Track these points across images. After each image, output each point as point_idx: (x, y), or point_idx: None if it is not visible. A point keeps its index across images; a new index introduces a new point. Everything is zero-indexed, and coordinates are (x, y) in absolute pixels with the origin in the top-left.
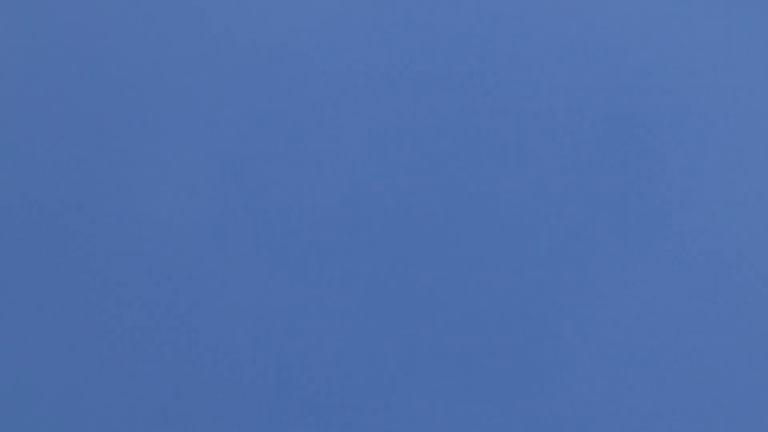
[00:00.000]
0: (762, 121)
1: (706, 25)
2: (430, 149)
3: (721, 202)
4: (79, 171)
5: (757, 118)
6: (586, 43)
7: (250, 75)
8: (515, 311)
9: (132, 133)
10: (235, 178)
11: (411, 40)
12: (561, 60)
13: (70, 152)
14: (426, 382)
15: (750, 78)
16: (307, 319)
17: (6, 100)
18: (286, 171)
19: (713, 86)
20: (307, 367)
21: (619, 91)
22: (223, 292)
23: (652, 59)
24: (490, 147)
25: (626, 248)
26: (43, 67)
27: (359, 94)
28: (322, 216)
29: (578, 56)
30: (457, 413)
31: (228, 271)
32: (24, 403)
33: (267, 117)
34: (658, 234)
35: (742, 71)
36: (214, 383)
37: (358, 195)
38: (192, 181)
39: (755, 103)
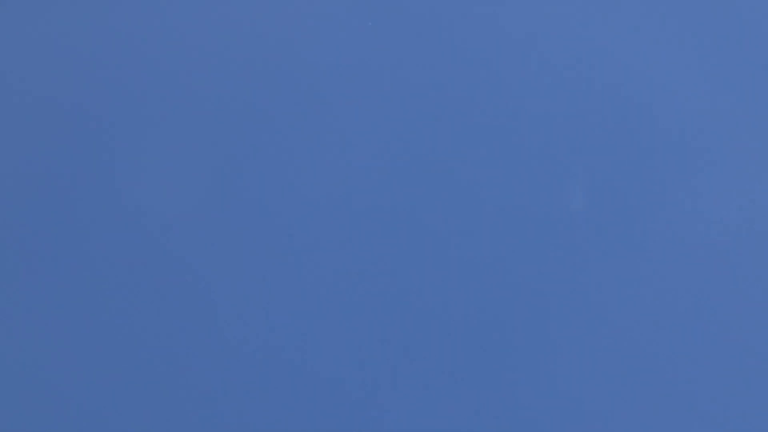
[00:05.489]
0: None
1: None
2: (432, 150)
3: (723, 202)
4: (77, 169)
5: (757, 117)
6: (588, 45)
7: (248, 74)
8: (516, 314)
9: (131, 132)
10: (232, 177)
11: (410, 40)
12: (563, 61)
13: (68, 151)
14: (426, 385)
15: (747, 87)
16: (304, 319)
17: (6, 98)
18: (284, 171)
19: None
20: (302, 365)
21: (620, 91)
22: (221, 291)
23: (653, 58)
24: (490, 147)
25: (627, 250)
26: (42, 65)
27: (358, 94)
28: (321, 215)
29: (580, 56)
30: (459, 416)
31: (225, 271)
32: (24, 403)
33: (265, 116)
34: (658, 236)
35: (739, 82)
36: (210, 382)
37: (357, 195)
38: (189, 181)
39: (754, 105)
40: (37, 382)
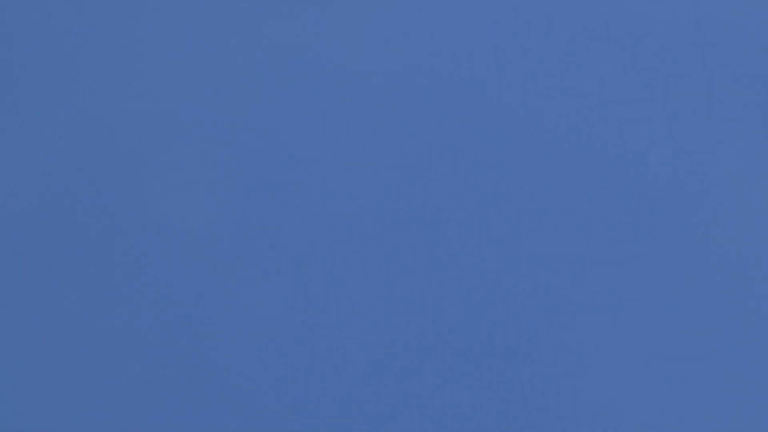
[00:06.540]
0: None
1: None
2: (438, 154)
3: (729, 211)
4: (88, 175)
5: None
6: (591, 40)
7: (256, 79)
8: (520, 318)
9: (141, 137)
10: (243, 182)
11: (416, 45)
12: (567, 68)
13: (78, 155)
14: (434, 389)
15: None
16: (314, 323)
17: (9, 99)
18: (291, 175)
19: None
20: (314, 370)
21: (623, 97)
22: (231, 297)
23: (656, 66)
24: (498, 152)
25: (633, 257)
26: (45, 64)
27: (364, 99)
28: (330, 221)
29: (585, 61)
30: (465, 418)
31: (236, 277)
32: (24, 403)
33: (274, 120)
34: (664, 241)
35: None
36: (220, 389)
37: (367, 199)
38: (199, 187)
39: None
40: (40, 383)
